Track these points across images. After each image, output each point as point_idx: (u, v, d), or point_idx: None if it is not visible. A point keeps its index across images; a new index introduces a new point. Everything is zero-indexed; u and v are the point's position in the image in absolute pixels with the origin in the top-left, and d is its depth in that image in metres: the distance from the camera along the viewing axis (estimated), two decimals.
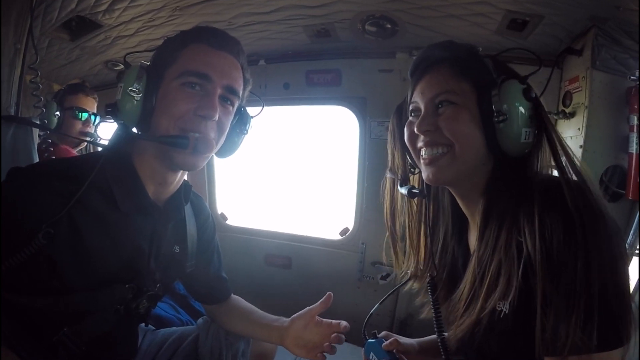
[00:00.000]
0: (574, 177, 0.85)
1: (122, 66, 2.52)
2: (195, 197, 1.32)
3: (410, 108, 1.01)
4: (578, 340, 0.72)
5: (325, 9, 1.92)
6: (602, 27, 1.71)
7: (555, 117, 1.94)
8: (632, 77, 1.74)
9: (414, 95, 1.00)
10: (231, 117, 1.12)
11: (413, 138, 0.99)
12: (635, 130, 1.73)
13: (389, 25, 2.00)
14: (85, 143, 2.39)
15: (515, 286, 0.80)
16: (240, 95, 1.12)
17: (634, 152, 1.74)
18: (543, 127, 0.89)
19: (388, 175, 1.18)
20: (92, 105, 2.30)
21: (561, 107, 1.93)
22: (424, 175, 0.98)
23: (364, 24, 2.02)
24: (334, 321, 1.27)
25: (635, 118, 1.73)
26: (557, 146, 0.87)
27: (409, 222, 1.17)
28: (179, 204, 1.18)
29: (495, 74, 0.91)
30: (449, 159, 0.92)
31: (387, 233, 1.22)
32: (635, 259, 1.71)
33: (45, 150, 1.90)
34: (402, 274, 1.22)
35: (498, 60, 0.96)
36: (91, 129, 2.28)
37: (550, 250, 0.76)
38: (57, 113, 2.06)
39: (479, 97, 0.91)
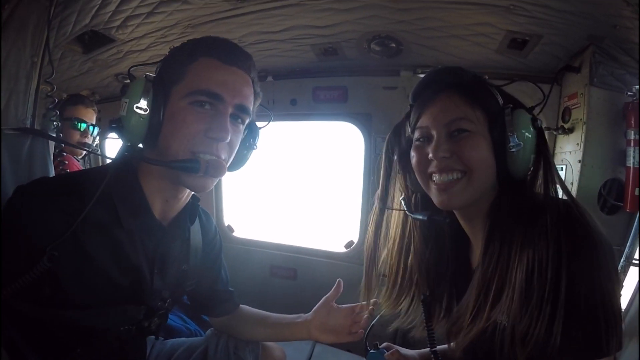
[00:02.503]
0: (565, 197, 0.92)
1: (123, 85, 2.58)
2: (204, 214, 1.31)
3: (418, 133, 1.01)
4: (570, 350, 0.79)
5: (332, 29, 1.97)
6: (600, 45, 1.76)
7: (555, 133, 1.99)
8: (628, 93, 1.79)
9: (421, 119, 1.00)
10: (241, 135, 1.08)
11: (423, 163, 0.99)
12: (632, 144, 1.77)
13: (393, 45, 2.06)
14: (85, 153, 2.45)
15: (516, 300, 0.83)
16: (251, 112, 1.08)
17: (631, 165, 1.78)
18: (543, 154, 0.94)
19: (377, 202, 1.18)
20: (92, 116, 2.35)
21: (560, 123, 1.98)
22: (435, 200, 0.99)
23: (370, 43, 2.07)
24: (355, 304, 1.32)
25: (632, 132, 1.77)
26: (553, 172, 0.93)
27: (403, 243, 1.17)
28: (184, 224, 1.15)
29: (503, 103, 0.95)
30: (463, 184, 0.94)
31: (366, 263, 1.20)
32: (634, 269, 1.75)
33: (59, 163, 1.92)
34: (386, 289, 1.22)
35: (503, 90, 1.00)
36: (89, 140, 2.32)
37: (541, 266, 0.81)
38: (56, 122, 2.08)
39: (490, 125, 0.94)
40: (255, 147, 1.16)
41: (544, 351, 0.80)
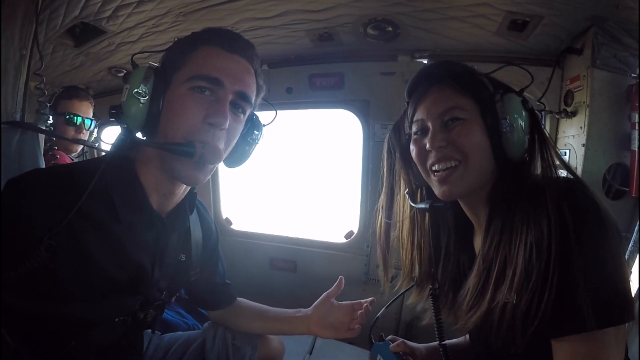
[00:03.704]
0: (568, 175, 0.95)
1: (125, 72, 2.56)
2: (200, 205, 1.29)
3: (415, 127, 1.05)
4: (578, 321, 0.78)
5: (327, 13, 1.93)
6: (602, 26, 1.73)
7: (557, 117, 1.96)
8: (632, 75, 1.76)
9: (417, 113, 1.04)
10: (242, 126, 1.06)
11: (423, 155, 1.03)
12: (636, 127, 1.74)
13: (390, 29, 2.02)
14: (81, 150, 2.40)
15: (521, 278, 0.84)
16: (253, 102, 1.06)
17: (636, 149, 1.75)
18: (537, 134, 0.97)
19: (383, 196, 1.22)
20: (87, 110, 2.28)
21: (563, 106, 1.95)
22: (436, 191, 1.02)
23: (366, 28, 2.03)
24: (355, 302, 1.35)
25: (637, 115, 1.73)
26: (550, 149, 0.97)
27: (414, 237, 1.20)
28: (184, 215, 1.14)
29: (492, 89, 1.00)
30: (461, 171, 0.97)
31: (380, 253, 1.25)
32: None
33: (51, 157, 1.89)
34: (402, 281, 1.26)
35: (493, 77, 1.04)
36: (84, 135, 2.27)
37: (541, 244, 0.83)
38: (47, 117, 2.03)
39: (482, 111, 0.98)
40: (257, 142, 1.14)
41: (550, 325, 0.81)
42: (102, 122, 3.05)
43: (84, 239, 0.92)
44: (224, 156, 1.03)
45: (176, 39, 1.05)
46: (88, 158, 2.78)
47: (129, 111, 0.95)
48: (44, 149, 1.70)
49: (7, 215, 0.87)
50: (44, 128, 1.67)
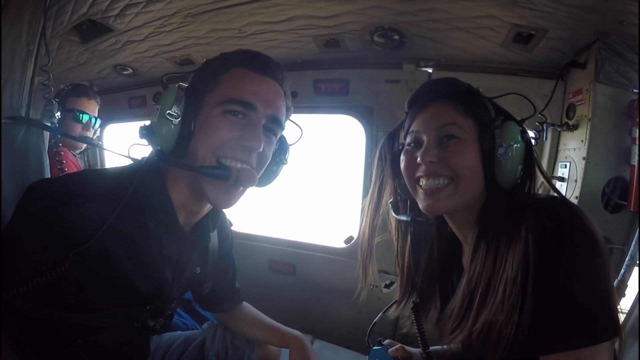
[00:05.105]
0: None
1: (130, 70, 2.58)
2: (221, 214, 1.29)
3: (410, 138, 1.04)
4: (564, 338, 0.79)
5: (335, 19, 1.94)
6: (606, 41, 1.74)
7: (558, 129, 1.97)
8: (634, 90, 1.77)
9: (413, 125, 1.03)
10: (273, 148, 1.07)
11: (412, 167, 1.02)
12: (637, 142, 1.76)
13: (396, 37, 2.02)
14: (84, 147, 2.43)
15: (504, 299, 0.85)
16: (283, 124, 1.07)
17: (635, 164, 1.76)
18: (532, 166, 0.97)
19: (370, 199, 1.21)
20: (94, 108, 2.31)
21: (565, 119, 1.96)
22: (421, 205, 1.01)
23: (372, 35, 2.03)
24: None
25: (637, 131, 1.75)
26: (535, 183, 0.97)
27: (398, 245, 1.22)
28: (207, 231, 1.15)
29: (494, 114, 0.99)
30: (450, 191, 0.96)
31: (361, 256, 1.24)
32: (636, 270, 1.73)
33: (55, 154, 1.88)
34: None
35: (495, 102, 1.03)
36: (90, 133, 2.29)
37: (517, 272, 0.84)
38: (58, 114, 2.04)
39: (480, 134, 0.97)
40: (285, 162, 1.16)
41: (538, 342, 0.82)
42: (105, 120, 3.05)
43: (112, 252, 0.92)
44: (257, 180, 1.03)
45: (205, 60, 1.06)
46: (89, 155, 2.77)
47: (160, 131, 0.95)
48: (47, 145, 1.70)
49: (34, 225, 0.86)
50: (49, 124, 1.67)
